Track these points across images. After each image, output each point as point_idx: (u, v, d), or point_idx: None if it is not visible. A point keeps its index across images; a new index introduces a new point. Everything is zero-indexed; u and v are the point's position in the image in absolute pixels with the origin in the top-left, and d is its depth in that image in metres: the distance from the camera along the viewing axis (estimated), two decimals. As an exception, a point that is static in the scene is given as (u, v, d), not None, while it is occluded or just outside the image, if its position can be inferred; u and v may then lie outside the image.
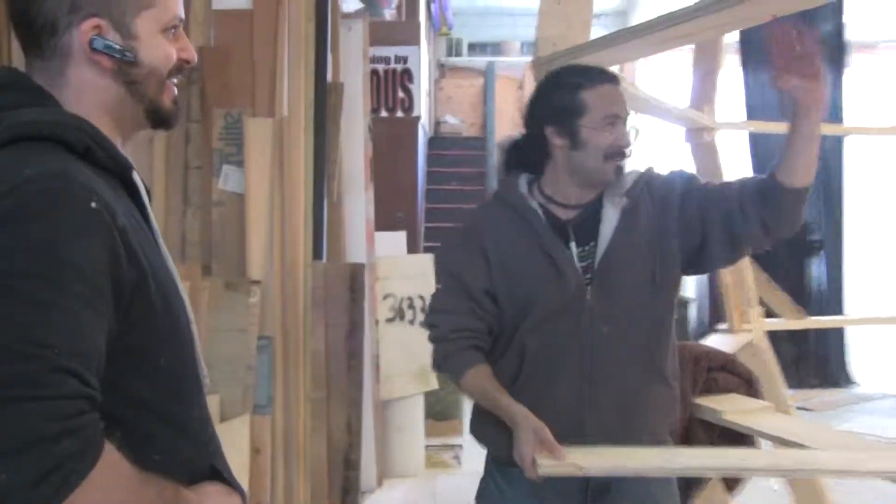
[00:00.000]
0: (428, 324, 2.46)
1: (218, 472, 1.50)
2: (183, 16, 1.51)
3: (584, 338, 2.29)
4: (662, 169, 2.52)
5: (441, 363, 2.42)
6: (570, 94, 2.32)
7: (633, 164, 2.42)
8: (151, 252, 1.39)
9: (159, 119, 1.49)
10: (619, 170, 2.34)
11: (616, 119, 2.31)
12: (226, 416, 3.65)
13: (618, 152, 2.31)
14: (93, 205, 1.25)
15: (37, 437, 1.16)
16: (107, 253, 1.26)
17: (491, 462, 2.49)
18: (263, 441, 4.05)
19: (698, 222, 2.33)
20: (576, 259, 2.33)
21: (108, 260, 1.26)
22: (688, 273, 2.47)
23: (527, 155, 2.44)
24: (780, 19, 2.18)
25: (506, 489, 2.42)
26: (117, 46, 1.39)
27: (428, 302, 6.15)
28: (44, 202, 1.23)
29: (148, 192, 1.48)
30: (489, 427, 2.34)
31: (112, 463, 1.22)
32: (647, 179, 2.43)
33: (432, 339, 2.42)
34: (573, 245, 2.34)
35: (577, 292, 2.30)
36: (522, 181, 2.43)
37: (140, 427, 1.36)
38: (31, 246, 1.21)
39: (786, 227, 2.31)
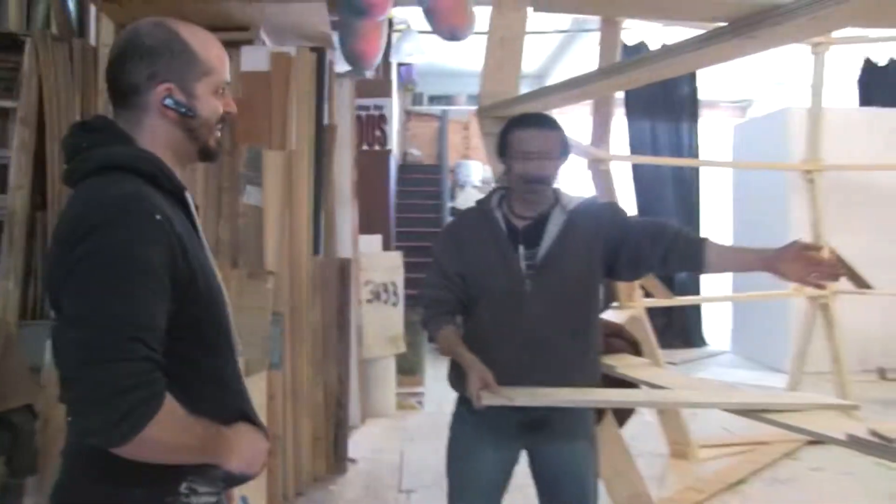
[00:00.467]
0: (417, 296, 2.51)
1: (247, 415, 1.51)
2: (229, 79, 1.54)
3: (524, 317, 2.30)
4: (597, 197, 2.57)
5: (424, 324, 2.44)
6: (504, 133, 2.39)
7: (567, 188, 2.44)
8: (199, 252, 1.42)
9: (207, 156, 1.53)
10: (535, 193, 2.35)
11: (529, 155, 2.31)
12: (249, 373, 3.63)
13: (528, 179, 2.32)
14: (157, 217, 1.31)
15: (117, 389, 1.21)
16: (167, 254, 1.31)
17: (461, 403, 2.48)
18: (276, 390, 4.04)
19: (619, 247, 2.36)
20: (522, 258, 2.34)
21: (168, 259, 1.31)
22: (608, 278, 2.51)
23: (503, 178, 2.49)
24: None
25: (468, 424, 2.44)
26: (182, 105, 1.44)
27: (398, 287, 6.16)
28: (123, 215, 1.28)
29: (196, 208, 1.51)
30: (461, 377, 2.30)
31: (171, 409, 1.27)
32: (587, 204, 2.46)
33: (419, 307, 2.47)
34: (521, 247, 2.34)
35: (519, 282, 2.31)
36: (496, 196, 2.44)
37: (191, 382, 1.37)
38: (113, 247, 1.26)
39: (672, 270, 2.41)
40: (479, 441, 2.42)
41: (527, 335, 2.30)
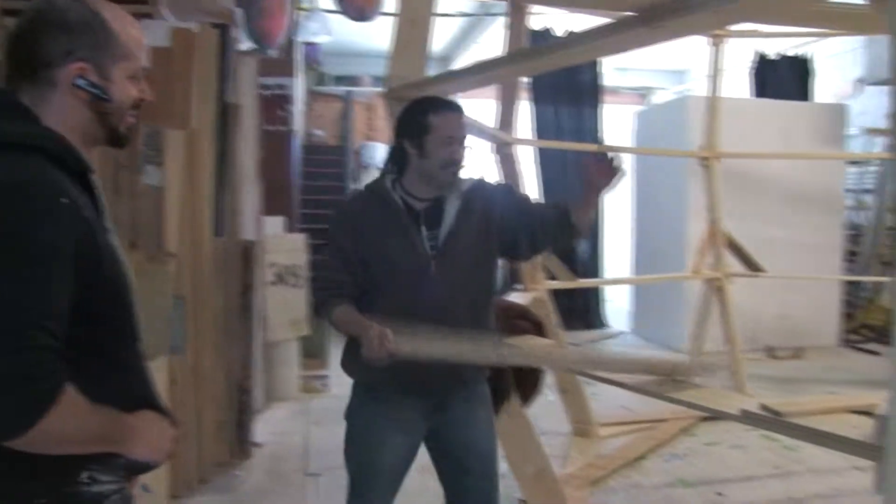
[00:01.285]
0: (311, 278, 2.49)
1: (152, 401, 1.49)
2: (146, 65, 1.48)
3: (429, 297, 2.32)
4: (490, 179, 2.58)
5: (317, 306, 2.41)
6: (422, 116, 2.36)
7: (469, 171, 2.45)
8: (106, 237, 1.38)
9: (116, 141, 1.47)
10: (454, 176, 2.37)
11: (452, 140, 2.34)
12: (150, 357, 3.52)
13: (452, 164, 2.34)
14: (63, 201, 1.27)
15: (14, 379, 1.17)
16: (72, 239, 1.26)
17: (358, 387, 2.49)
18: (178, 375, 3.95)
19: (513, 226, 2.44)
20: (425, 239, 2.35)
21: (73, 244, 1.26)
22: (504, 258, 2.58)
23: (394, 160, 2.45)
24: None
25: (369, 407, 2.44)
26: (96, 87, 1.37)
27: (302, 270, 6.09)
28: (25, 199, 1.23)
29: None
30: (356, 361, 2.27)
31: (69, 400, 1.22)
32: (480, 186, 2.49)
33: (313, 289, 2.46)
34: (423, 229, 2.36)
35: (425, 263, 2.33)
36: (388, 179, 2.43)
37: (94, 369, 1.33)
38: (14, 233, 1.21)
39: (566, 247, 2.46)
40: (383, 427, 2.42)
41: (432, 315, 2.28)
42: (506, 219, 2.45)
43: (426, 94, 2.59)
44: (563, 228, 2.41)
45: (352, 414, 2.50)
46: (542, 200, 4.55)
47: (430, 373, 2.32)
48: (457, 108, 2.41)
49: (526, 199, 2.57)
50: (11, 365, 1.16)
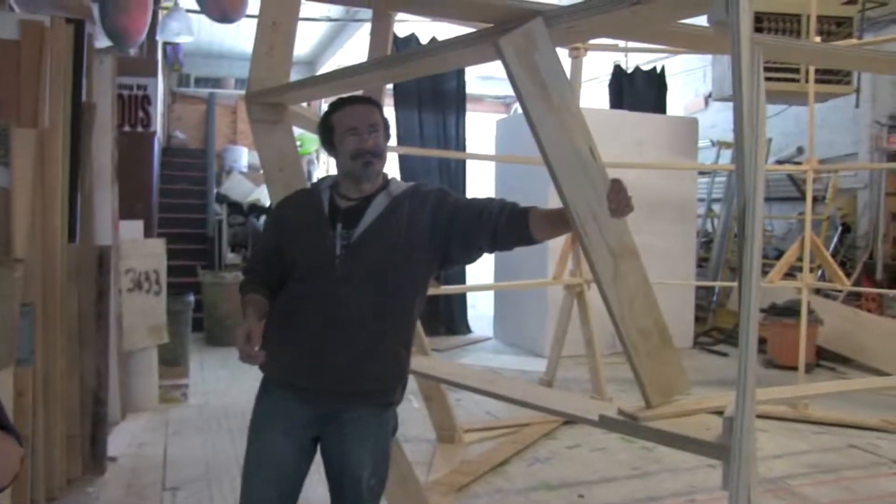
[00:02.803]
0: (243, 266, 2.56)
1: None
2: None
3: (329, 296, 2.30)
4: (430, 184, 2.58)
5: (239, 289, 2.48)
6: (326, 118, 2.43)
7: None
8: None
9: None
10: (368, 166, 2.36)
11: (355, 129, 2.35)
12: (-6, 368, 3.36)
13: (360, 153, 2.34)
14: None
15: None
16: None
17: (263, 378, 2.48)
18: (25, 386, 3.74)
19: (447, 232, 2.38)
20: (338, 237, 2.33)
21: None
22: (443, 268, 2.51)
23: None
24: None
25: (265, 398, 2.46)
26: None
27: (161, 276, 5.93)
28: None
29: None
30: (264, 345, 2.25)
31: None
32: (414, 190, 2.46)
33: (242, 271, 2.60)
34: (339, 226, 2.35)
35: (330, 261, 2.32)
36: (329, 179, 2.52)
37: None
38: None
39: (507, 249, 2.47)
40: (271, 425, 2.41)
41: (329, 314, 2.30)
42: (441, 226, 2.38)
43: (342, 95, 2.65)
44: (517, 235, 2.35)
45: (254, 405, 2.50)
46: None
47: (320, 382, 2.33)
48: (358, 100, 2.46)
49: (466, 203, 2.49)
50: None
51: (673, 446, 2.14)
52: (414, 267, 2.39)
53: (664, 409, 2.19)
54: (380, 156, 2.39)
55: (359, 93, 2.90)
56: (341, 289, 2.30)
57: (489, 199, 2.47)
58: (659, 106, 9.75)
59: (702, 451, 2.00)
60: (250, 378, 6.24)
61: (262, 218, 9.65)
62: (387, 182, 2.46)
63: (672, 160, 8.32)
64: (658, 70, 9.92)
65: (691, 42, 2.87)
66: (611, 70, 9.89)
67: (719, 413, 2.04)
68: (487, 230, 2.34)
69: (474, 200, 2.50)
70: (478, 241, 2.38)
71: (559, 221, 2.37)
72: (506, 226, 2.34)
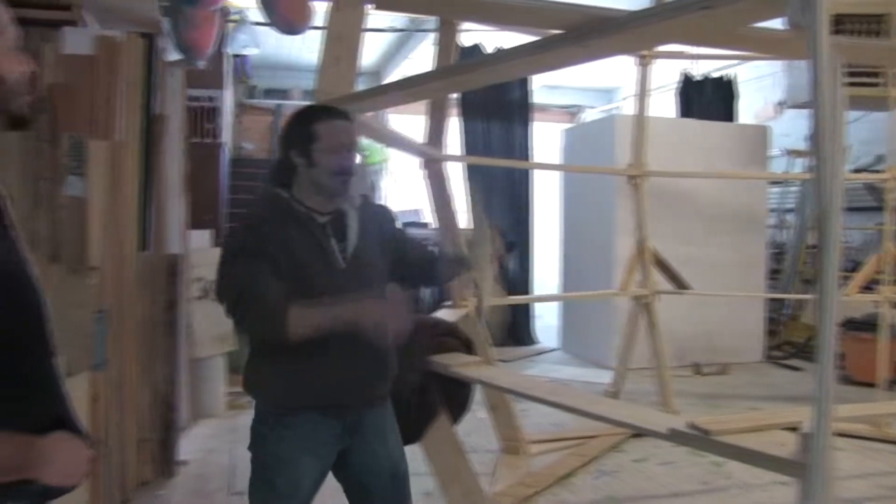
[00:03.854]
0: (244, 303, 2.20)
1: (65, 421, 1.41)
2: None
3: None
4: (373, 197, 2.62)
5: (266, 321, 2.18)
6: (307, 126, 2.30)
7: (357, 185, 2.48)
8: (11, 250, 1.30)
9: (16, 122, 1.42)
10: (345, 185, 2.32)
11: (341, 147, 2.30)
12: (71, 373, 3.44)
13: (342, 172, 2.30)
14: None
15: None
16: None
17: (268, 412, 2.36)
18: (101, 391, 3.85)
19: (395, 251, 2.51)
20: (337, 252, 2.31)
21: None
22: None
23: (280, 173, 2.37)
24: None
25: (283, 432, 2.32)
26: None
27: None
28: None
29: (11, 199, 1.39)
30: (268, 379, 2.29)
31: None
32: (368, 203, 2.52)
33: (256, 313, 2.19)
34: (333, 241, 2.32)
35: (336, 274, 2.29)
36: (283, 193, 2.35)
37: (2, 393, 1.27)
38: None
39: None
40: (300, 452, 2.33)
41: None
42: (392, 242, 2.50)
43: (316, 104, 2.61)
44: (432, 281, 2.55)
45: (261, 443, 2.37)
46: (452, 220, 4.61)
47: (349, 390, 2.33)
48: (343, 116, 2.38)
49: (402, 232, 2.64)
50: None
51: (745, 462, 2.08)
52: (385, 274, 2.47)
53: (735, 423, 2.13)
54: (353, 174, 2.37)
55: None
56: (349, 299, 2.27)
57: (422, 243, 2.72)
58: (728, 114, 9.58)
59: (777, 467, 1.94)
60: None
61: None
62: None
63: (741, 169, 8.16)
64: (728, 78, 9.76)
65: (764, 46, 2.81)
66: (679, 78, 9.75)
67: (792, 429, 1.98)
68: (416, 273, 2.57)
69: (412, 238, 2.72)
70: (408, 278, 2.56)
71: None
72: (430, 272, 2.59)
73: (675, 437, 2.22)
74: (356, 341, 2.21)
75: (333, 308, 2.17)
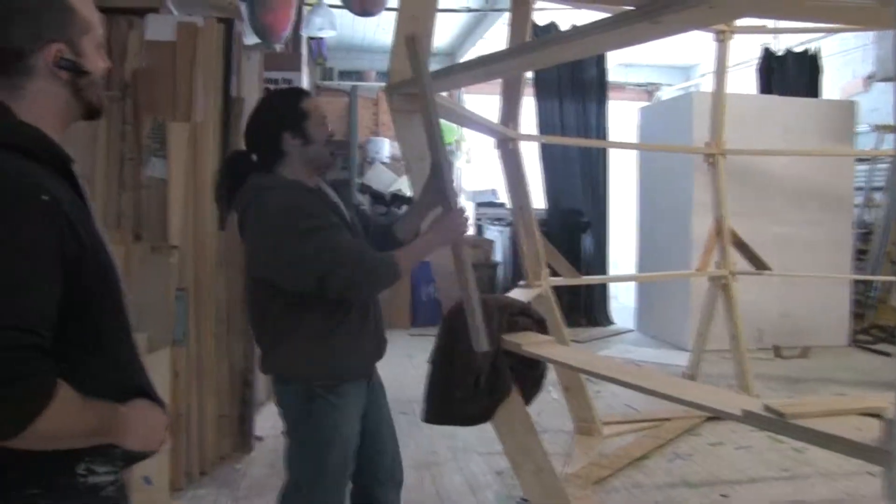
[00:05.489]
0: (334, 263, 2.26)
1: (144, 390, 1.48)
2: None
3: None
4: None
5: (377, 272, 2.33)
6: (294, 107, 2.43)
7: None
8: (89, 229, 1.36)
9: (93, 114, 1.47)
10: (334, 154, 2.56)
11: (325, 119, 2.47)
12: (152, 349, 3.57)
13: (331, 142, 2.49)
14: (43, 198, 1.25)
15: (4, 381, 1.16)
16: (55, 235, 1.26)
17: (317, 387, 2.41)
18: (180, 367, 3.98)
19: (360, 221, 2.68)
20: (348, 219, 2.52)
21: (56, 240, 1.26)
22: None
23: (262, 158, 2.47)
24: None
25: (338, 402, 2.42)
26: (78, 63, 1.37)
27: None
28: (5, 199, 1.22)
29: (86, 180, 1.45)
30: (319, 354, 2.38)
31: (63, 397, 1.23)
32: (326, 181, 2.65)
33: (344, 268, 2.26)
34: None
35: (356, 236, 2.50)
36: (289, 176, 2.44)
37: (84, 363, 1.33)
38: None
39: None
40: (352, 417, 2.48)
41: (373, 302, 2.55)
42: (356, 211, 2.69)
43: (281, 88, 2.74)
44: (385, 242, 2.60)
45: (316, 418, 2.42)
46: (526, 200, 4.60)
47: (378, 352, 2.57)
48: (310, 93, 2.63)
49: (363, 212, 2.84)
50: (2, 367, 1.16)
51: (825, 447, 2.01)
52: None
53: (813, 407, 2.08)
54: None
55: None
56: None
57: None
58: (812, 90, 9.27)
59: (858, 453, 1.88)
60: (400, 361, 6.35)
61: (404, 207, 9.83)
62: None
63: (826, 146, 7.91)
64: (812, 52, 9.46)
65: (852, 18, 2.72)
66: (760, 53, 9.50)
67: (876, 415, 1.91)
68: (373, 232, 2.69)
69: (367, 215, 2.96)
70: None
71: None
72: (377, 236, 2.68)
73: (749, 419, 2.17)
74: (375, 305, 2.52)
75: (425, 236, 2.45)
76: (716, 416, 4.32)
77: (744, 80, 9.89)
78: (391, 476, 2.72)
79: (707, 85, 10.91)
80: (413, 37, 2.70)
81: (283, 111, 2.43)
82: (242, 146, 2.57)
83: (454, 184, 2.76)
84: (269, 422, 5.09)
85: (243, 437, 4.55)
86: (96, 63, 1.42)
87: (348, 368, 2.45)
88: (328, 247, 2.27)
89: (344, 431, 2.45)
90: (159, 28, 4.28)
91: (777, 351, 7.57)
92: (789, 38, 9.37)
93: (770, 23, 6.48)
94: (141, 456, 1.45)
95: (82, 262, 1.31)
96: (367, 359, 2.54)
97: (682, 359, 6.95)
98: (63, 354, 1.26)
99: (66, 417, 1.24)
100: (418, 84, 2.71)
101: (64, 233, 1.27)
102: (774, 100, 8.39)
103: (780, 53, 9.45)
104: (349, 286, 2.29)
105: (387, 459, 2.70)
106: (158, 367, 3.59)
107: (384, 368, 2.72)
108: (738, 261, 6.11)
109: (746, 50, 9.26)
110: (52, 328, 1.24)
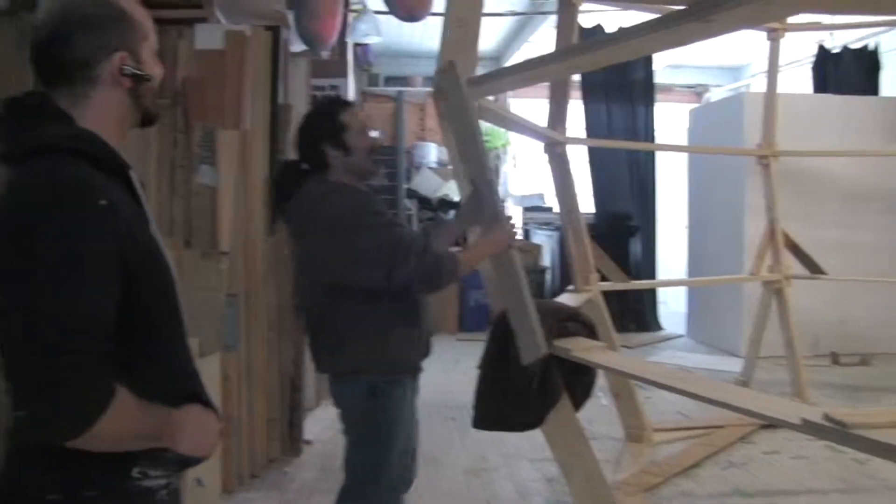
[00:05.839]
0: (401, 246, 2.35)
1: (198, 395, 1.50)
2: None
3: None
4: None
5: (441, 269, 2.42)
6: (333, 119, 2.53)
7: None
8: (146, 234, 1.38)
9: (149, 121, 1.50)
10: (377, 162, 2.67)
11: (366, 128, 2.60)
12: (203, 354, 3.61)
13: (374, 150, 2.60)
14: (101, 203, 1.27)
15: (65, 384, 1.20)
16: (113, 240, 1.28)
17: (380, 380, 2.52)
18: (231, 371, 4.03)
19: None
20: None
21: (114, 245, 1.28)
22: None
23: (311, 168, 2.58)
24: None
25: (399, 393, 2.55)
26: (140, 70, 1.41)
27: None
28: (63, 204, 1.25)
29: (143, 186, 1.47)
30: (384, 348, 2.48)
31: (121, 400, 1.25)
32: None
33: (408, 256, 2.34)
34: None
35: None
36: (331, 179, 2.57)
37: (139, 365, 1.35)
38: (55, 238, 1.23)
39: None
40: (409, 411, 2.62)
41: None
42: None
43: (326, 97, 2.80)
44: None
45: (379, 413, 2.53)
46: (575, 204, 4.61)
47: (428, 346, 2.65)
48: (353, 104, 2.72)
49: None
50: (62, 371, 1.18)
51: (890, 459, 1.95)
52: None
53: (878, 417, 2.01)
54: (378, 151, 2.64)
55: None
56: None
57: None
58: (871, 87, 9.03)
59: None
60: (448, 366, 6.34)
61: (451, 213, 9.84)
62: None
63: (886, 146, 7.71)
64: (870, 47, 9.23)
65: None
66: (814, 51, 9.31)
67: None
68: None
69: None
70: None
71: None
72: None
73: (808, 428, 2.11)
74: (426, 303, 2.60)
75: (475, 247, 2.57)
76: (770, 425, 4.25)
77: (797, 79, 9.72)
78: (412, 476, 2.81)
79: (758, 85, 10.75)
80: (452, 63, 2.77)
81: (324, 124, 2.55)
82: (291, 153, 2.67)
83: (498, 193, 2.83)
84: (317, 426, 5.13)
85: (293, 441, 4.59)
86: (155, 69, 1.46)
87: (407, 362, 2.57)
88: (395, 239, 2.37)
89: (404, 426, 2.57)
90: (208, 37, 4.34)
91: (834, 358, 7.36)
92: (846, 35, 9.14)
93: (826, 18, 6.37)
94: (194, 461, 1.47)
95: (140, 267, 1.33)
96: (421, 354, 2.64)
97: (733, 365, 6.85)
98: (120, 358, 1.28)
99: (124, 420, 1.26)
100: (457, 109, 2.76)
101: (122, 238, 1.29)
102: (830, 99, 8.21)
103: (836, 51, 9.25)
104: (415, 278, 2.37)
105: (409, 459, 2.76)
106: (209, 372, 3.63)
107: (431, 373, 2.77)
108: (793, 265, 6.00)
109: (800, 48, 9.09)
110: (110, 332, 1.26)
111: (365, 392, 2.50)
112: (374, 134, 2.63)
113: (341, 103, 2.65)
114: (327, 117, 2.55)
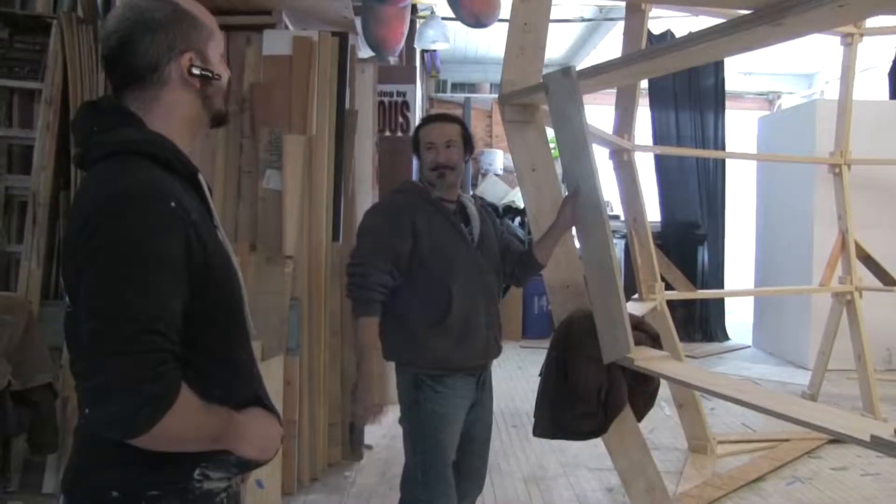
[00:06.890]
0: (358, 272, 2.64)
1: (260, 399, 1.50)
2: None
3: (479, 281, 2.75)
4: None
5: (356, 298, 2.66)
6: (416, 132, 2.88)
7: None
8: (213, 237, 1.39)
9: (220, 121, 1.53)
10: (441, 177, 2.76)
11: (432, 145, 2.77)
12: (266, 357, 3.65)
13: (435, 166, 2.76)
14: (172, 205, 1.29)
15: (133, 382, 1.20)
16: (182, 241, 1.29)
17: (424, 375, 2.69)
18: (293, 375, 4.06)
19: (504, 245, 2.96)
20: (467, 233, 2.77)
21: (184, 247, 1.30)
22: None
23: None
24: None
25: (443, 391, 2.68)
26: (209, 71, 1.43)
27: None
28: (135, 205, 1.26)
29: (210, 190, 1.48)
30: (422, 346, 2.66)
31: (186, 401, 1.26)
32: (478, 199, 3.03)
33: (358, 284, 2.64)
34: (462, 225, 2.78)
35: (472, 253, 2.75)
36: (417, 184, 2.91)
37: (205, 367, 1.36)
38: (127, 239, 1.24)
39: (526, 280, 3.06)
40: (455, 406, 2.71)
41: (481, 298, 2.74)
42: (500, 232, 2.97)
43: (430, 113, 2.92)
44: (526, 266, 2.91)
45: (422, 404, 2.69)
46: (641, 212, 4.57)
47: (486, 352, 2.76)
48: (440, 119, 2.87)
49: (509, 234, 3.11)
50: (131, 368, 1.19)
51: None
52: (499, 256, 2.92)
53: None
54: (453, 168, 2.78)
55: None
56: (486, 276, 2.77)
57: (516, 240, 3.16)
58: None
59: None
60: (511, 373, 6.32)
61: (517, 220, 9.79)
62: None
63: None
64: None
65: None
66: (892, 56, 9.01)
67: None
68: (509, 268, 2.93)
69: (512, 237, 3.16)
70: (506, 258, 2.93)
71: (550, 241, 2.85)
72: (524, 265, 2.93)
73: (879, 445, 2.04)
74: (490, 315, 2.77)
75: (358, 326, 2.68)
76: (838, 440, 4.11)
77: (873, 85, 9.44)
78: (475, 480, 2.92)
79: (831, 92, 10.46)
80: (571, 68, 2.83)
81: (414, 136, 2.88)
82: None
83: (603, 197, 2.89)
84: (379, 431, 5.14)
85: (353, 446, 4.61)
86: (222, 69, 1.47)
87: (451, 362, 2.68)
88: (361, 256, 2.71)
89: (448, 418, 2.70)
90: (276, 43, 4.40)
91: (907, 372, 7.14)
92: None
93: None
94: (254, 464, 1.47)
95: (207, 269, 1.34)
96: (472, 357, 2.74)
97: (801, 377, 6.67)
98: (186, 359, 1.28)
99: (188, 421, 1.27)
100: (568, 115, 2.81)
101: (191, 240, 1.30)
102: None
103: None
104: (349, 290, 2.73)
105: (475, 461, 2.88)
106: (272, 376, 3.67)
107: (494, 380, 2.84)
108: (865, 276, 5.82)
109: (876, 53, 8.81)
110: (177, 332, 1.27)
111: (410, 382, 2.72)
112: (447, 152, 2.81)
113: (428, 119, 2.91)
114: (415, 130, 2.89)
